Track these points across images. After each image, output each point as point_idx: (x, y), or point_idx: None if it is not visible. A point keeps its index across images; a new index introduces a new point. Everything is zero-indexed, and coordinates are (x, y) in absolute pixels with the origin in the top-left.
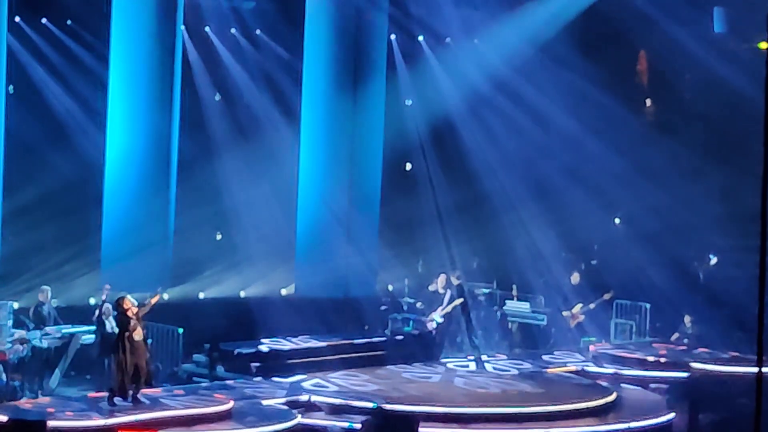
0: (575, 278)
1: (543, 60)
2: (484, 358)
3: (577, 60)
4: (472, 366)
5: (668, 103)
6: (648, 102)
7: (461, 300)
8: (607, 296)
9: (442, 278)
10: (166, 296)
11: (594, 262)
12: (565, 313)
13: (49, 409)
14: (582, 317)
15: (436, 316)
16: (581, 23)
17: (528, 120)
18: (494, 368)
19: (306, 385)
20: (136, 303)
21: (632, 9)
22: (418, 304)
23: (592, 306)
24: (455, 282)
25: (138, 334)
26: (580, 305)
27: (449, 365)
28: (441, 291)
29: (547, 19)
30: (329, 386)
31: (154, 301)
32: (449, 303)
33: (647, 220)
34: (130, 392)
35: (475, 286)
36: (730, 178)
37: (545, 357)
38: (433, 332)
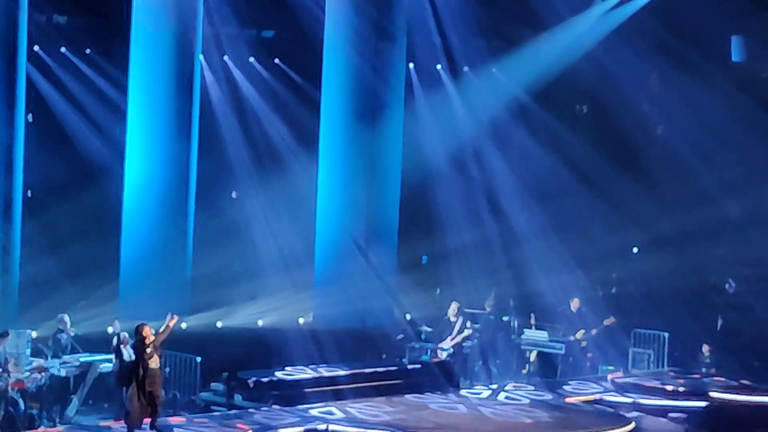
0: (575, 304)
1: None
2: (502, 386)
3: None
4: (489, 394)
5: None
6: (659, 130)
7: (469, 332)
8: (607, 322)
9: (453, 306)
10: (184, 325)
11: (613, 290)
12: (570, 338)
13: None
14: (584, 343)
15: (445, 345)
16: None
17: (547, 148)
18: (512, 397)
19: (324, 413)
20: (154, 332)
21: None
22: (436, 330)
23: (593, 332)
24: (488, 308)
25: (154, 362)
26: (582, 331)
27: (467, 394)
28: (453, 319)
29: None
30: (347, 415)
31: (172, 323)
32: (459, 332)
33: (665, 248)
34: (147, 421)
35: (495, 314)
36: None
37: (564, 386)
38: (451, 360)
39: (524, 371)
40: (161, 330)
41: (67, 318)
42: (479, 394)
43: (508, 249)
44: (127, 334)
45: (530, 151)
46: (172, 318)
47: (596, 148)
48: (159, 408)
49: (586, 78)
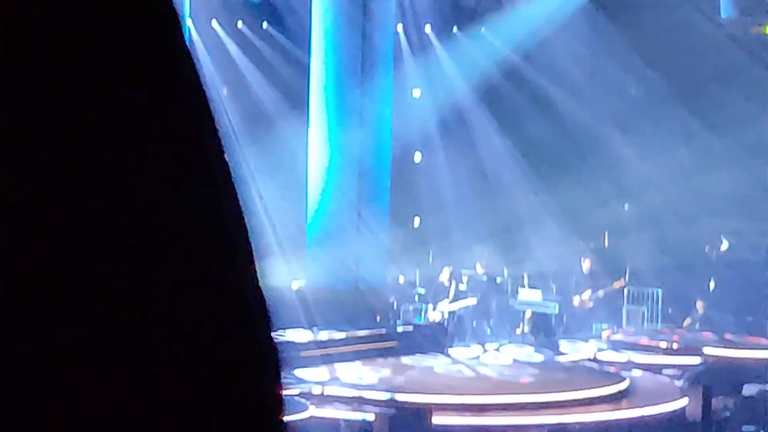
0: (586, 264)
1: (552, 45)
2: (496, 346)
3: (588, 43)
4: (483, 354)
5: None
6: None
7: (467, 301)
8: (616, 285)
9: (446, 271)
10: None
11: (606, 245)
12: (575, 300)
13: None
14: (591, 304)
15: (443, 308)
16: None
17: (536, 107)
18: (507, 357)
19: (318, 376)
20: None
21: None
22: (430, 291)
23: (601, 294)
24: (480, 271)
25: None
26: (589, 291)
27: (460, 354)
28: (446, 284)
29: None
30: (342, 378)
31: None
32: (456, 298)
33: (657, 204)
34: None
35: (488, 275)
36: (741, 159)
37: (558, 345)
38: (445, 322)
39: (518, 331)
40: None
41: None
42: (474, 354)
43: (500, 209)
44: None
45: (521, 112)
46: None
47: (590, 107)
48: None
49: (579, 36)
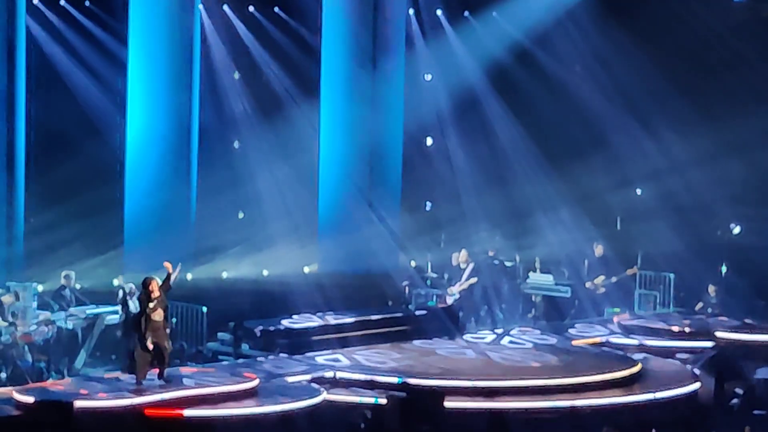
0: (599, 250)
1: (564, 28)
2: (508, 330)
3: (600, 27)
4: (495, 338)
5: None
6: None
7: (476, 279)
8: (630, 272)
9: (464, 253)
10: (189, 276)
11: (618, 227)
12: (587, 284)
13: (75, 390)
14: (603, 289)
15: (454, 291)
16: None
17: (548, 91)
18: (519, 341)
19: (331, 361)
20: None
21: None
22: (442, 276)
23: (614, 279)
24: (492, 253)
25: (158, 315)
26: (602, 277)
27: (472, 339)
28: (463, 266)
29: None
30: (354, 362)
31: (176, 271)
32: (468, 278)
33: (669, 189)
34: (155, 371)
35: (499, 259)
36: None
37: (569, 329)
38: (456, 306)
39: (530, 315)
40: (164, 279)
41: (72, 274)
42: (485, 338)
43: (511, 194)
44: (133, 285)
45: (533, 96)
46: (176, 269)
47: (601, 91)
48: (166, 359)
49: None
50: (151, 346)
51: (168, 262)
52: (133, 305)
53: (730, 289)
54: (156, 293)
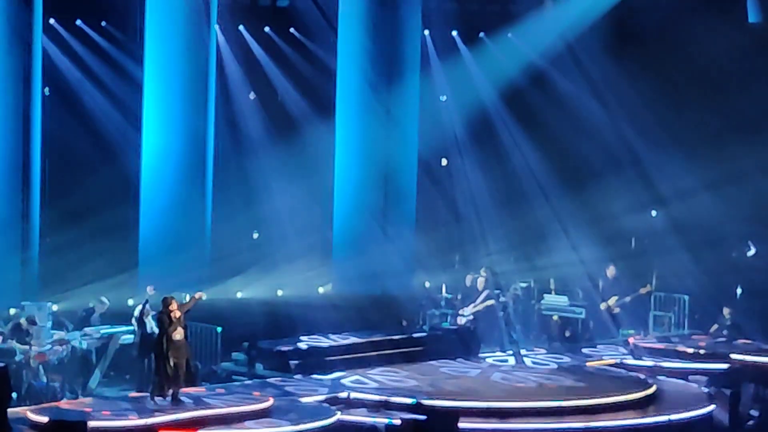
0: (611, 271)
1: (577, 53)
2: (523, 352)
3: (613, 51)
4: (511, 361)
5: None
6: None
7: (492, 302)
8: (643, 291)
9: (483, 273)
10: (204, 296)
11: (632, 246)
12: (602, 306)
13: (89, 410)
14: (617, 310)
15: (467, 312)
16: (614, 16)
17: (563, 113)
18: (533, 362)
19: (345, 381)
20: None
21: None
22: (456, 297)
23: (627, 299)
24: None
25: (178, 334)
26: (615, 298)
27: (488, 360)
28: (479, 287)
29: (582, 12)
30: (368, 383)
31: (197, 296)
32: (483, 301)
33: (684, 211)
34: (170, 392)
35: (512, 281)
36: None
37: (584, 350)
38: (471, 327)
39: (545, 336)
40: (185, 302)
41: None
42: (500, 360)
43: (526, 214)
44: (150, 307)
45: (547, 116)
46: (197, 294)
47: (616, 111)
48: (184, 379)
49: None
50: (172, 365)
51: (202, 293)
52: (149, 325)
53: (744, 310)
54: (176, 313)
